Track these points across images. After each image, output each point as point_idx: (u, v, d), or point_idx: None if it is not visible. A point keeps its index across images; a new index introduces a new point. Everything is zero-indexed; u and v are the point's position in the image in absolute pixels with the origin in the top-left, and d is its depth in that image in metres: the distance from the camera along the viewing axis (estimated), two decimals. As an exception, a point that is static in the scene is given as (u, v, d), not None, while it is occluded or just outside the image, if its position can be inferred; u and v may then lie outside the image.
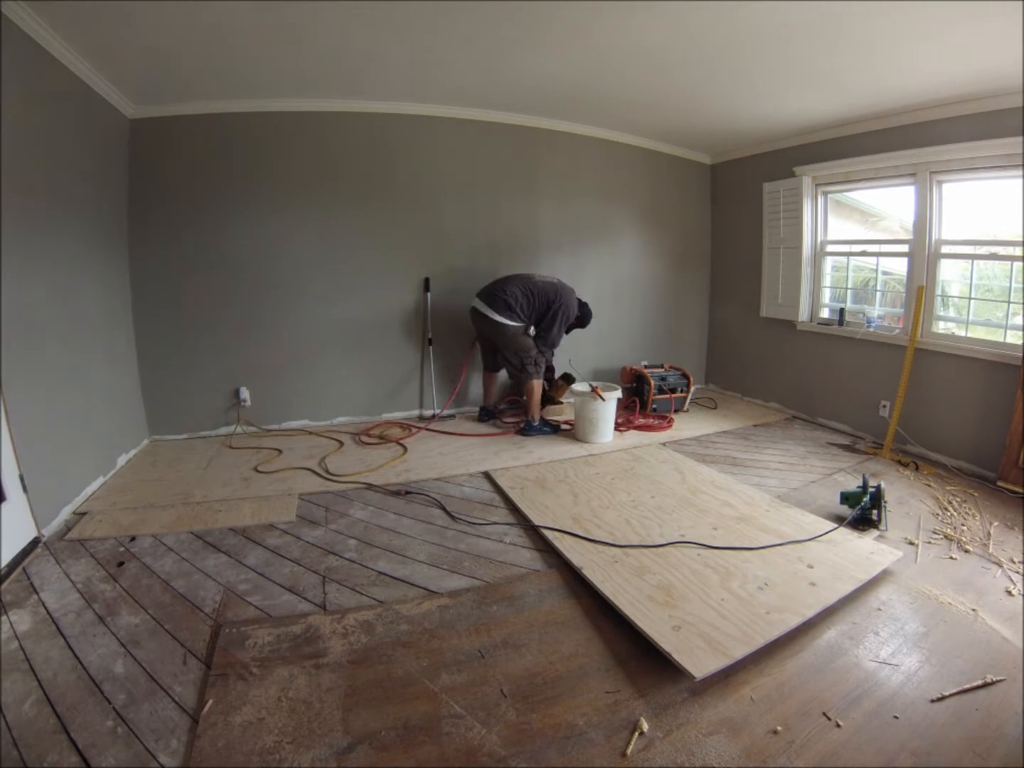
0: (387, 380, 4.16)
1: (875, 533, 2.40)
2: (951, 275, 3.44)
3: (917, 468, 3.23)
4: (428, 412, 4.22)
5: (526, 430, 3.78)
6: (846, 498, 2.56)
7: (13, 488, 2.15)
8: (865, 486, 2.51)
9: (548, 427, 3.80)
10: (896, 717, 1.41)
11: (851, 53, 2.67)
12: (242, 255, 3.72)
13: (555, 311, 3.69)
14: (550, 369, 4.12)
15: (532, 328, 3.73)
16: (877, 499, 2.45)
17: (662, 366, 4.57)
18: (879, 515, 2.45)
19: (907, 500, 2.79)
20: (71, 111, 2.77)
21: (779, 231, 4.36)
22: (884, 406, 3.68)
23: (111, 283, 3.27)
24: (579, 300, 3.89)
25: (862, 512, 2.45)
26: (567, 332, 3.89)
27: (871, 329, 3.78)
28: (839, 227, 4.25)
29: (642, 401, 4.28)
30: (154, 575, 2.05)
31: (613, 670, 1.60)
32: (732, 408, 4.62)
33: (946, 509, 2.68)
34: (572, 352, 4.50)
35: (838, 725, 1.38)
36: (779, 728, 1.38)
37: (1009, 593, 1.98)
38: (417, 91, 3.64)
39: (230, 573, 2.08)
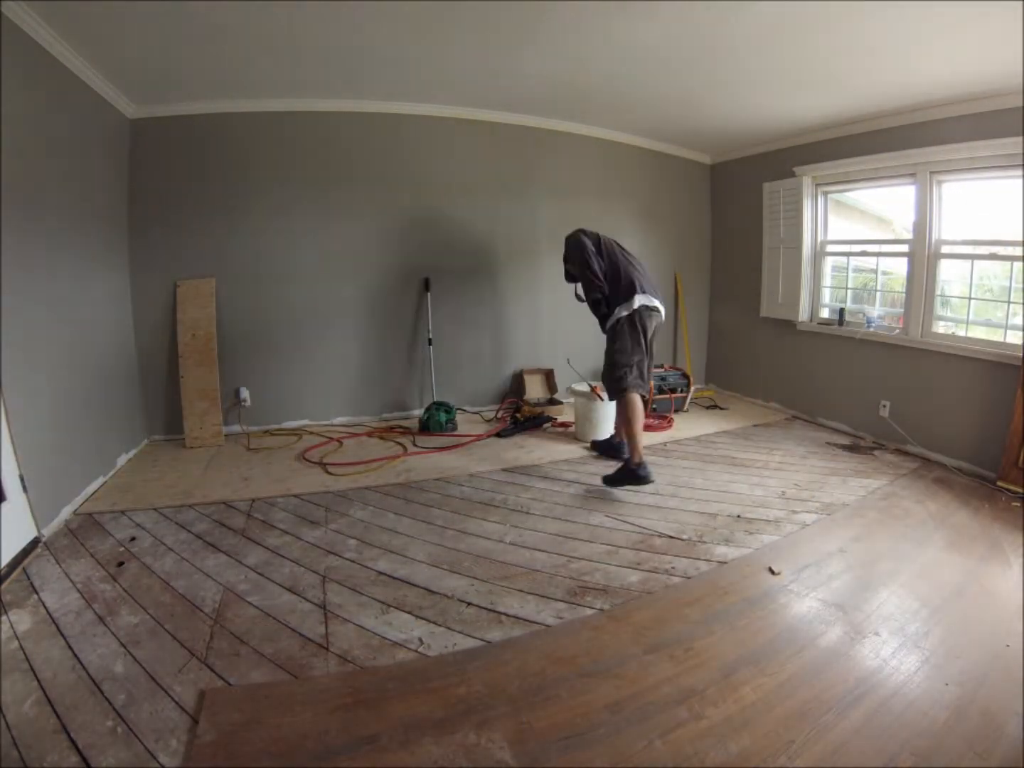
0: (387, 380, 4.16)
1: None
2: (951, 275, 3.43)
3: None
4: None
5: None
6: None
7: (13, 488, 2.15)
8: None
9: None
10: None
11: (851, 53, 2.68)
12: (242, 255, 3.72)
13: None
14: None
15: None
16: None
17: (662, 366, 4.56)
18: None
19: (906, 498, 2.79)
20: (71, 111, 2.77)
21: (779, 231, 4.36)
22: (884, 406, 3.68)
23: (111, 280, 3.27)
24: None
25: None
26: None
27: (871, 329, 3.78)
28: (840, 226, 4.25)
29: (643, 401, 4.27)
30: (154, 575, 2.05)
31: (617, 667, 1.60)
32: (732, 408, 4.62)
33: (945, 508, 2.68)
34: (571, 351, 4.51)
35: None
36: (779, 728, 1.38)
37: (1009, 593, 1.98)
38: (417, 91, 3.64)
39: (230, 573, 2.08)
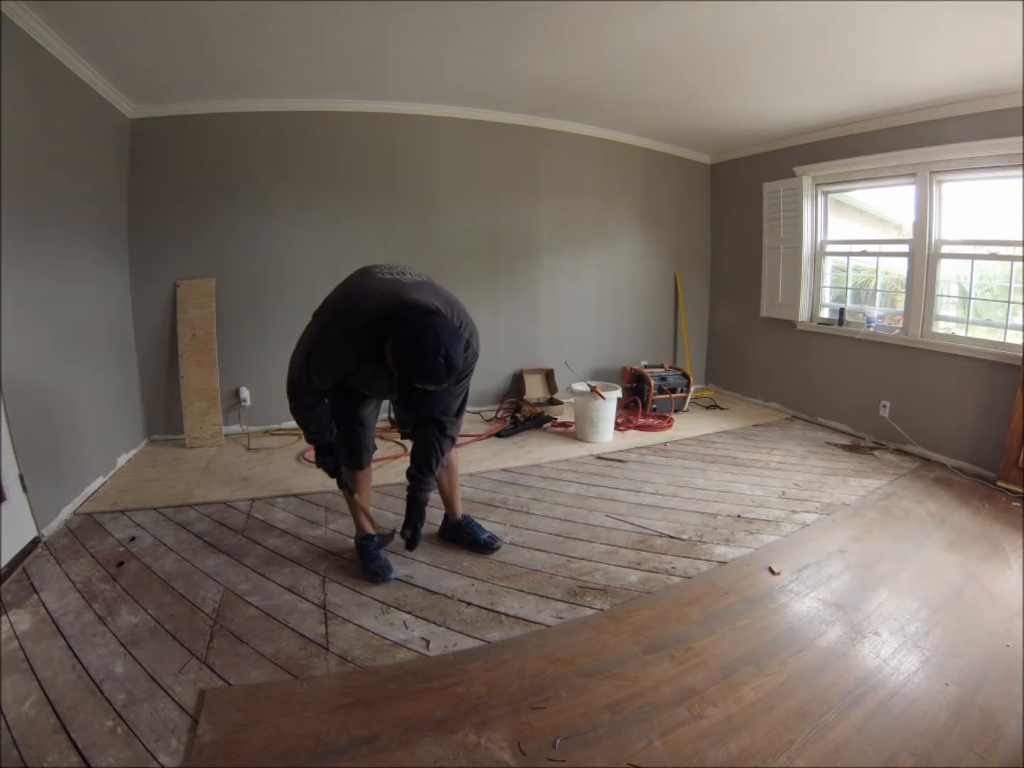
0: (387, 380, 4.15)
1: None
2: (950, 276, 3.43)
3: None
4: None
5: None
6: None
7: (13, 488, 2.15)
8: None
9: None
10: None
11: (851, 53, 2.67)
12: (242, 255, 3.72)
13: None
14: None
15: None
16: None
17: (662, 366, 4.57)
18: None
19: (906, 498, 2.79)
20: (71, 111, 2.77)
21: (779, 231, 4.36)
22: (884, 406, 3.68)
23: (111, 280, 3.27)
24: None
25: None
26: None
27: (871, 329, 3.78)
28: (840, 226, 4.25)
29: (642, 401, 4.28)
30: (154, 575, 2.05)
31: (629, 659, 1.60)
32: (732, 408, 4.62)
33: (945, 508, 2.68)
34: (571, 351, 4.51)
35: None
36: (779, 728, 1.38)
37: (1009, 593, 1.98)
38: (418, 91, 3.64)
39: (230, 573, 2.08)
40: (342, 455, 1.98)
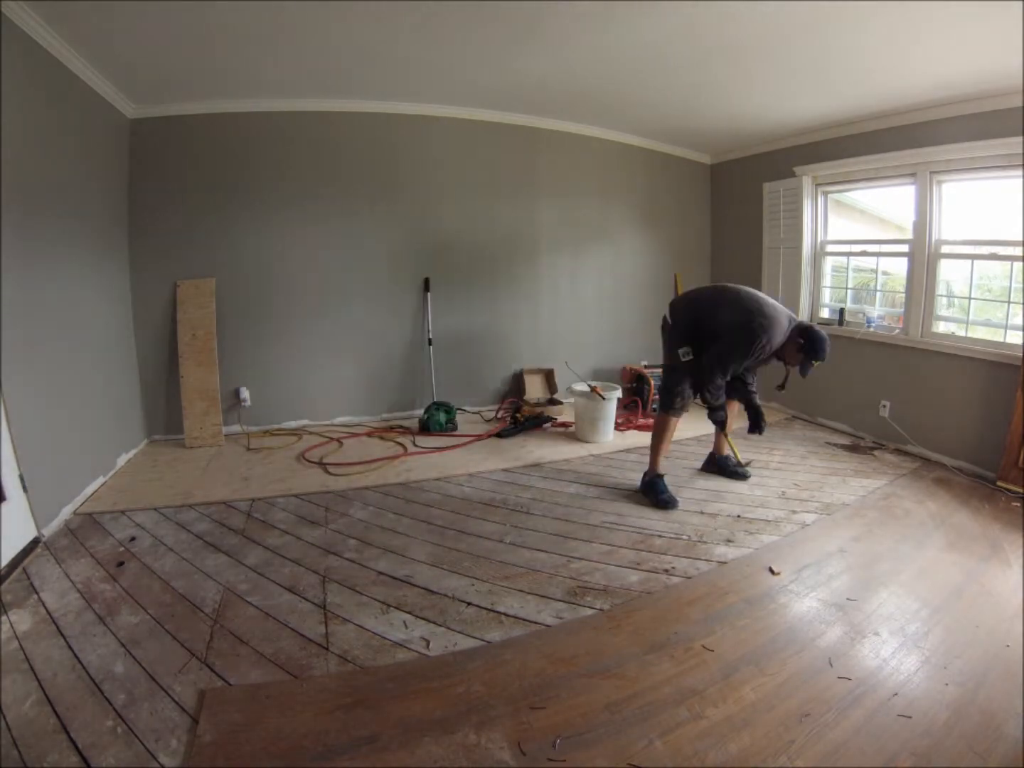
0: (388, 380, 4.16)
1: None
2: (950, 276, 3.43)
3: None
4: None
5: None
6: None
7: (13, 488, 2.15)
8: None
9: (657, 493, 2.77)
10: (909, 717, 1.41)
11: (851, 53, 2.67)
12: (242, 256, 3.72)
13: None
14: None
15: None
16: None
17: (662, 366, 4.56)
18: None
19: (906, 498, 2.79)
20: (71, 111, 2.77)
21: (779, 231, 4.36)
22: (884, 406, 3.68)
23: (111, 280, 3.27)
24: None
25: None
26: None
27: (871, 329, 3.78)
28: (840, 226, 4.25)
29: (642, 401, 4.28)
30: (154, 575, 2.05)
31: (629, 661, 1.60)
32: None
33: (945, 508, 2.68)
34: (571, 351, 4.51)
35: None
36: (779, 728, 1.38)
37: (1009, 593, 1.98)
38: (417, 91, 3.64)
39: (230, 573, 2.08)
40: (679, 404, 2.80)
